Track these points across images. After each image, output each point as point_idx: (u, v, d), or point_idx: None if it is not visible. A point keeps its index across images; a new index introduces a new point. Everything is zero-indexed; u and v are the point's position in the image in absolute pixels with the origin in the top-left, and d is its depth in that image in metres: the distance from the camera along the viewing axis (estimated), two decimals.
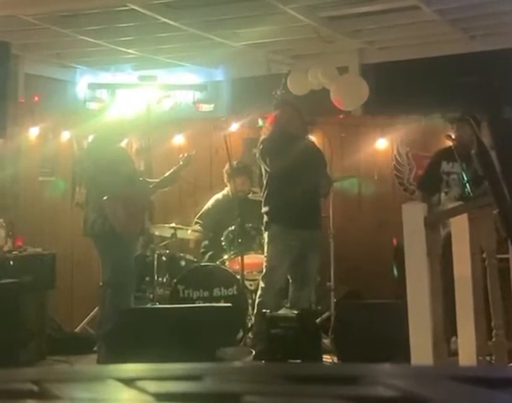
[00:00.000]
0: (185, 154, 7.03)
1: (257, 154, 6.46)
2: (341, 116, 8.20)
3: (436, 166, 6.53)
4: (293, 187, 6.10)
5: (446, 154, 6.51)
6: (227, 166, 7.36)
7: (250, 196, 7.30)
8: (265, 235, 6.38)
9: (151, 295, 7.09)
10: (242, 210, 6.87)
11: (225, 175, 7.50)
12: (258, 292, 6.34)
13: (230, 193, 7.50)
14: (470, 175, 6.21)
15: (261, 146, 6.37)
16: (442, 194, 6.39)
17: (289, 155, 6.09)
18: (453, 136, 6.48)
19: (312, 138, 7.34)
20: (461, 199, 6.07)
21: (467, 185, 6.18)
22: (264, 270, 6.35)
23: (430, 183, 6.51)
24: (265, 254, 6.37)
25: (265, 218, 6.34)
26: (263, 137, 6.50)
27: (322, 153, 6.67)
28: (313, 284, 6.50)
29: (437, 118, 7.22)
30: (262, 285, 6.33)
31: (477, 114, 6.32)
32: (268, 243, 6.32)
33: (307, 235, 6.21)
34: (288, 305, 6.43)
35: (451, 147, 6.53)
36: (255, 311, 6.29)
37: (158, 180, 6.79)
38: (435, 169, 6.52)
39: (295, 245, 6.19)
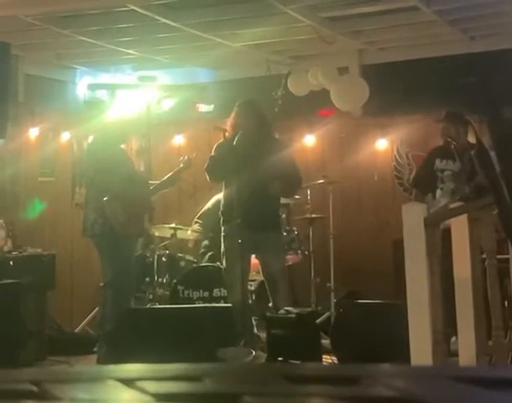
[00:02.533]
0: (186, 157, 7.03)
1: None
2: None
3: (429, 164, 6.60)
4: (238, 189, 6.06)
5: (440, 151, 6.59)
6: None
7: None
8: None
9: (151, 296, 7.10)
10: None
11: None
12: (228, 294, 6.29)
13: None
14: (464, 170, 6.28)
15: (213, 150, 6.40)
16: (438, 190, 6.43)
17: (234, 159, 6.03)
18: (441, 134, 6.60)
19: (310, 138, 7.35)
20: (455, 194, 6.12)
21: (463, 181, 6.27)
22: (222, 272, 6.33)
23: (424, 181, 6.57)
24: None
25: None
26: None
27: (287, 154, 6.49)
28: (285, 284, 6.36)
29: (437, 117, 7.22)
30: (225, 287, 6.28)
31: (466, 115, 6.39)
32: (222, 243, 6.30)
33: (258, 236, 6.14)
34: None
35: (444, 145, 6.59)
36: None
37: (158, 183, 6.79)
38: (429, 167, 6.60)
39: (244, 246, 6.11)
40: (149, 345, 5.61)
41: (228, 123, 6.44)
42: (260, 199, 6.10)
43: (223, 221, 6.32)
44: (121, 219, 6.22)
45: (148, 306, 6.96)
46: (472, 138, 6.27)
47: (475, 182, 5.88)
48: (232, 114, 6.41)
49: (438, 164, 6.52)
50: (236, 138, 6.13)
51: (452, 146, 6.45)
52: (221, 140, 6.47)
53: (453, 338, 4.88)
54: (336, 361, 6.01)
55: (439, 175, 6.48)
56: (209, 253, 7.40)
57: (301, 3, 6.56)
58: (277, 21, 7.00)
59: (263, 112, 6.44)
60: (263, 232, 6.18)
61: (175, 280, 6.94)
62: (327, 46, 7.67)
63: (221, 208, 6.37)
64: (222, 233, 6.31)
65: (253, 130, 6.23)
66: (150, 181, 6.85)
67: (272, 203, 6.34)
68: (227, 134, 6.46)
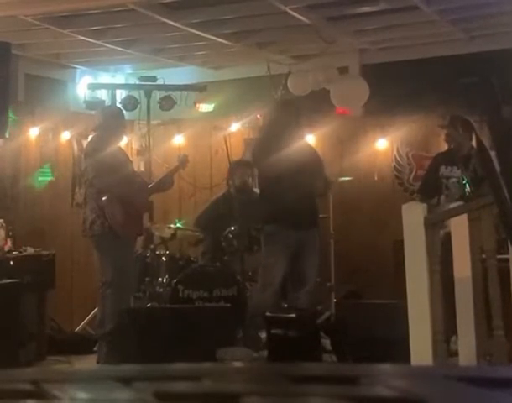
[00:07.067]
0: (182, 155, 7.05)
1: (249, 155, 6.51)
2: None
3: (434, 171, 6.57)
4: (285, 188, 6.09)
5: (445, 158, 6.55)
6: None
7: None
8: (261, 236, 6.41)
9: (151, 296, 7.09)
10: (242, 210, 6.86)
11: (229, 173, 7.44)
12: (256, 292, 6.33)
13: (232, 190, 7.46)
14: (468, 176, 6.26)
15: (252, 147, 6.42)
16: (442, 196, 6.40)
17: (279, 156, 6.08)
18: (445, 137, 6.57)
19: (310, 138, 7.38)
20: (461, 200, 6.09)
21: (467, 186, 6.24)
22: (260, 270, 6.36)
23: (430, 188, 6.54)
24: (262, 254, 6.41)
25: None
26: (255, 137, 6.55)
27: (317, 153, 6.66)
28: (311, 284, 6.45)
29: (437, 118, 7.22)
30: (258, 284, 6.34)
31: (466, 115, 6.38)
32: (263, 243, 6.34)
33: (302, 235, 6.20)
34: (286, 305, 6.45)
35: (449, 151, 6.57)
36: (251, 310, 6.28)
37: (154, 183, 6.79)
38: (433, 174, 6.57)
39: (289, 245, 6.19)
40: (149, 345, 5.61)
41: (262, 120, 6.51)
42: (302, 198, 6.14)
43: (264, 222, 6.35)
44: (120, 219, 6.22)
45: (147, 305, 6.95)
46: (474, 141, 6.25)
47: (480, 192, 5.85)
48: (269, 112, 6.47)
49: (443, 170, 6.48)
50: (277, 136, 6.19)
51: (455, 148, 6.44)
52: (259, 135, 6.52)
53: (453, 338, 4.88)
54: (336, 361, 6.01)
55: (444, 182, 6.45)
56: (209, 253, 7.40)
57: (302, 3, 6.55)
58: (277, 20, 7.00)
59: (301, 113, 6.48)
60: (306, 231, 6.23)
61: (174, 280, 6.93)
62: (327, 46, 7.68)
63: (259, 209, 6.41)
64: (265, 232, 6.34)
65: (290, 130, 6.27)
66: (148, 181, 6.86)
67: (313, 202, 6.41)
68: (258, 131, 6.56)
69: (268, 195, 6.37)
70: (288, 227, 6.13)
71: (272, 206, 6.25)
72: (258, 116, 7.97)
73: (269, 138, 6.34)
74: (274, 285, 6.28)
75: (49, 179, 8.03)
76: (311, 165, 6.27)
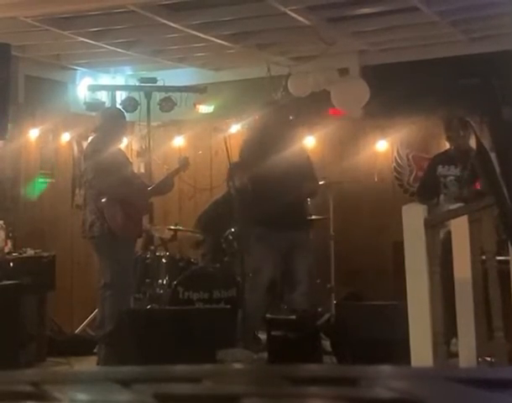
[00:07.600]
0: (183, 157, 7.04)
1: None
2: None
3: (432, 172, 6.61)
4: (272, 190, 6.09)
5: (442, 158, 6.60)
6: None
7: None
8: (250, 238, 6.40)
9: (151, 297, 7.09)
10: (242, 211, 6.86)
11: (229, 174, 7.44)
12: (245, 294, 6.32)
13: (232, 192, 7.45)
14: (466, 174, 6.30)
15: (240, 149, 6.45)
16: (441, 195, 6.43)
17: (266, 159, 6.07)
18: (446, 139, 6.61)
19: (310, 139, 7.38)
20: (459, 199, 6.11)
21: (465, 185, 6.29)
22: (249, 272, 6.35)
23: (428, 188, 6.57)
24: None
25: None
26: (244, 140, 6.58)
27: (308, 156, 6.70)
28: (305, 286, 6.43)
29: (438, 120, 7.23)
30: (247, 286, 6.32)
31: (466, 117, 6.40)
32: (252, 245, 6.33)
33: (292, 236, 6.20)
34: (286, 307, 6.44)
35: (446, 151, 6.61)
36: (243, 312, 6.27)
37: (154, 185, 6.79)
38: (431, 174, 6.61)
39: (279, 247, 6.18)
40: (149, 346, 5.60)
41: (255, 122, 6.52)
42: (292, 199, 6.16)
43: (255, 223, 6.34)
44: (119, 221, 6.22)
45: (147, 307, 6.95)
46: (473, 142, 6.27)
47: (477, 189, 5.89)
48: (259, 114, 6.48)
49: (440, 170, 6.51)
50: (267, 139, 6.19)
51: (452, 148, 6.47)
52: (248, 137, 6.53)
53: (453, 340, 4.88)
54: (336, 362, 6.01)
55: (442, 181, 6.48)
56: (209, 255, 7.39)
57: (301, 4, 6.56)
58: (277, 22, 7.00)
59: (293, 116, 6.51)
60: (295, 233, 6.23)
61: (174, 282, 6.93)
62: (328, 47, 7.67)
63: (253, 210, 6.40)
64: (254, 235, 6.33)
65: (278, 132, 6.28)
66: (148, 183, 6.86)
67: (302, 203, 6.42)
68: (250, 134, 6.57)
69: (256, 197, 6.36)
70: (276, 230, 6.12)
71: (260, 208, 6.24)
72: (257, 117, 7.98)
73: (256, 141, 6.35)
74: (263, 287, 6.25)
75: (47, 182, 8.04)
76: (300, 167, 6.26)
